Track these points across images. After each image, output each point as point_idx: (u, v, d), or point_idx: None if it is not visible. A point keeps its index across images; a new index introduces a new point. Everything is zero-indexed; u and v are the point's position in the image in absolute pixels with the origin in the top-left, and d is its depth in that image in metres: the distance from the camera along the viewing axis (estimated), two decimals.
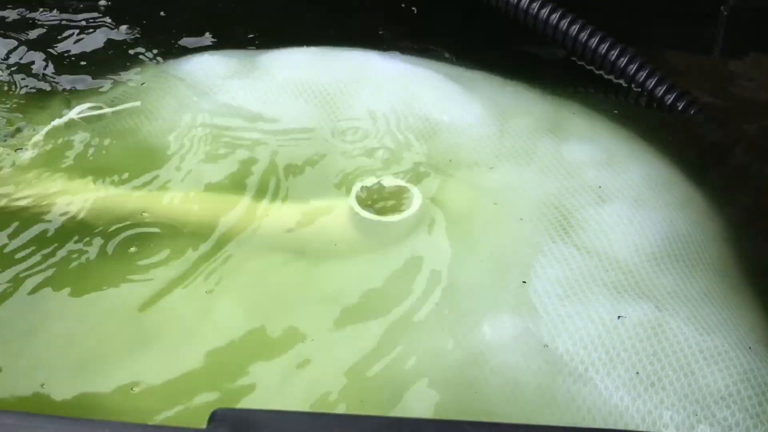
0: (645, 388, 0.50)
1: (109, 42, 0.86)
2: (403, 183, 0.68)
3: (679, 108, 0.80)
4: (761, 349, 0.55)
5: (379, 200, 0.67)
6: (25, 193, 0.63)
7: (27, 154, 0.66)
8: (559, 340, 0.52)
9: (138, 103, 0.71)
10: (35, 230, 0.61)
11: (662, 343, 0.53)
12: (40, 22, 0.89)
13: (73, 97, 0.74)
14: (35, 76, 0.79)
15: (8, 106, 0.73)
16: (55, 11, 0.90)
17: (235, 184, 0.68)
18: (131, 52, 0.84)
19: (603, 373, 0.51)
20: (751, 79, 0.87)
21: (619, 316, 0.54)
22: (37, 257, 0.59)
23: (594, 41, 0.83)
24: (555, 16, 0.85)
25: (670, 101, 0.80)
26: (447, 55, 0.90)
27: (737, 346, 0.54)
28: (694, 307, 0.57)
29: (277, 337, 0.57)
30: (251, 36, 0.90)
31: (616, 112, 0.80)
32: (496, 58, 0.88)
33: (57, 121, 0.67)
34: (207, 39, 0.90)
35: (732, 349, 0.53)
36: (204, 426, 0.31)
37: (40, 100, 0.75)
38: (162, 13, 0.93)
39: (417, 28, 0.97)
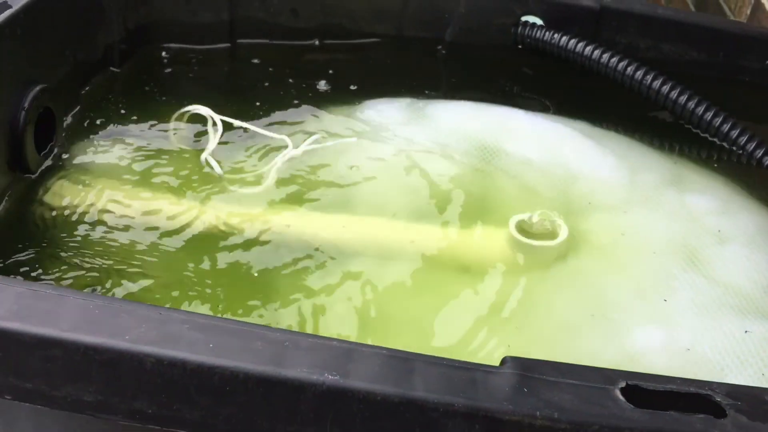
0: None
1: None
2: (552, 217, 0.83)
3: None
4: None
5: (530, 232, 0.82)
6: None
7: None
8: (699, 347, 0.66)
9: (354, 139, 0.89)
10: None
11: None
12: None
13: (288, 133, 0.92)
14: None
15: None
16: None
17: (414, 213, 0.84)
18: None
19: (736, 373, 0.64)
20: None
21: (746, 331, 0.67)
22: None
23: (709, 114, 0.97)
24: (666, 87, 1.00)
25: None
26: (573, 116, 1.05)
27: None
28: None
29: (456, 340, 0.72)
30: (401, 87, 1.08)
31: (719, 168, 0.95)
32: (616, 121, 1.03)
33: (291, 152, 0.85)
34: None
35: None
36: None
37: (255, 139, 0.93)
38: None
39: (542, 91, 1.13)
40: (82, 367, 0.42)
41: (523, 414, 0.41)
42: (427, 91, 1.06)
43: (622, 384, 0.45)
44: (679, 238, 0.80)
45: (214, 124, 0.93)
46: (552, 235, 0.81)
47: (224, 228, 0.79)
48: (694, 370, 0.64)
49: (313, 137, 0.91)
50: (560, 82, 1.13)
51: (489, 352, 0.69)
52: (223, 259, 0.75)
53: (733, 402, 0.45)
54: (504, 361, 0.46)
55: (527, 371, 0.45)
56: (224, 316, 0.69)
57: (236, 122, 0.93)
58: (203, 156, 0.88)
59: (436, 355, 0.45)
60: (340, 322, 0.71)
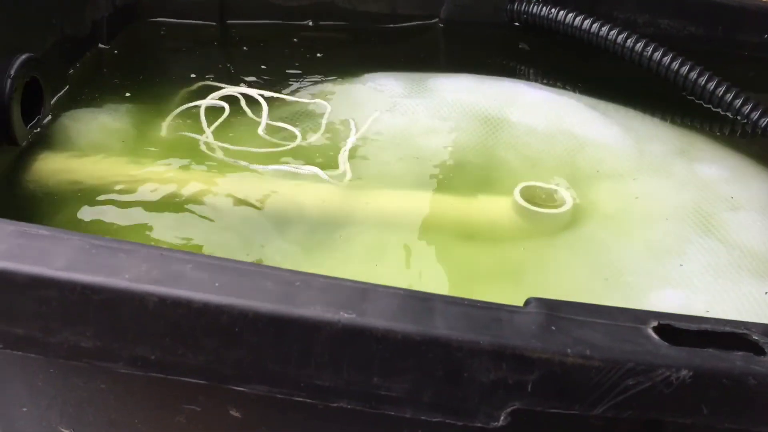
0: None
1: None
2: (556, 187, 0.81)
3: None
4: None
5: (536, 201, 0.80)
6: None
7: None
8: (719, 308, 0.63)
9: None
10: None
11: None
12: None
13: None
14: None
15: None
16: None
17: (419, 183, 0.81)
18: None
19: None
20: None
21: (766, 292, 0.65)
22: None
23: (711, 84, 0.96)
24: (667, 59, 0.98)
25: None
26: (575, 90, 1.03)
27: None
28: None
29: None
30: (404, 64, 1.05)
31: (726, 139, 0.93)
32: (618, 94, 1.01)
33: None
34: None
35: None
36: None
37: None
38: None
39: (541, 66, 1.11)
40: (78, 309, 0.39)
41: (553, 351, 0.39)
42: (426, 68, 1.04)
43: (655, 323, 0.42)
44: (691, 205, 0.78)
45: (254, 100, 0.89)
46: (558, 203, 0.79)
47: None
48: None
49: (372, 116, 0.88)
50: (560, 58, 1.11)
51: None
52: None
53: None
54: (528, 302, 0.43)
55: (554, 311, 0.42)
56: None
57: (272, 94, 0.91)
58: (260, 130, 0.85)
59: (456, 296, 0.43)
60: None
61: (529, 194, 0.81)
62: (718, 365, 0.39)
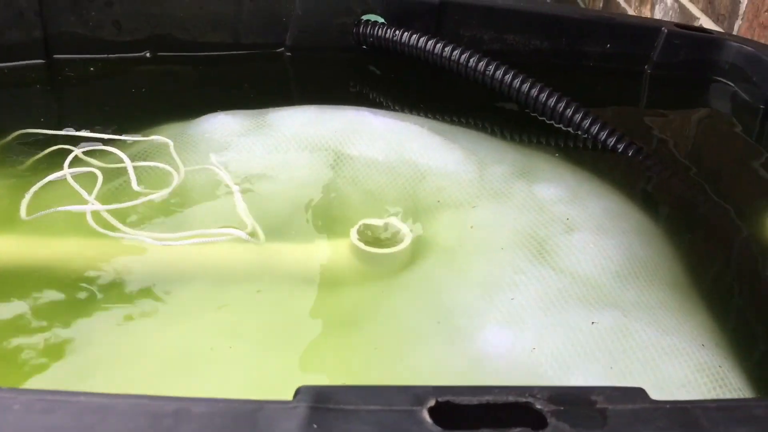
0: (618, 380, 0.60)
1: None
2: (395, 222, 0.78)
3: (620, 150, 0.93)
4: (712, 347, 0.66)
5: (377, 238, 0.77)
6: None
7: None
8: (545, 345, 0.62)
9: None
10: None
11: (630, 343, 0.63)
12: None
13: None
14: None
15: None
16: None
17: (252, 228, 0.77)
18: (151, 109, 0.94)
19: (583, 370, 0.60)
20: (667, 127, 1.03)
21: (592, 322, 0.64)
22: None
23: (552, 100, 0.96)
24: (509, 76, 0.98)
25: (612, 144, 0.93)
26: (422, 114, 1.02)
27: (691, 344, 0.64)
28: (653, 313, 0.68)
29: (299, 354, 0.65)
30: (250, 97, 1.01)
31: (568, 155, 0.93)
32: (465, 115, 1.00)
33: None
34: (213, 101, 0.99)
35: (688, 346, 0.64)
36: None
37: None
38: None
39: (390, 90, 1.09)
40: None
41: None
42: (272, 100, 1.00)
43: (432, 402, 0.40)
44: (527, 230, 0.77)
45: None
46: (398, 240, 0.77)
47: None
48: (540, 370, 0.60)
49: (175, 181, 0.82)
50: (410, 81, 1.09)
51: (330, 369, 0.64)
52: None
53: (556, 407, 0.41)
54: (297, 392, 0.40)
55: (322, 402, 0.39)
56: None
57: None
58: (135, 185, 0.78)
59: (214, 397, 0.39)
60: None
61: (370, 233, 0.78)
62: None
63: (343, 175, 0.85)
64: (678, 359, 0.62)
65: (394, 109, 1.02)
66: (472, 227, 0.77)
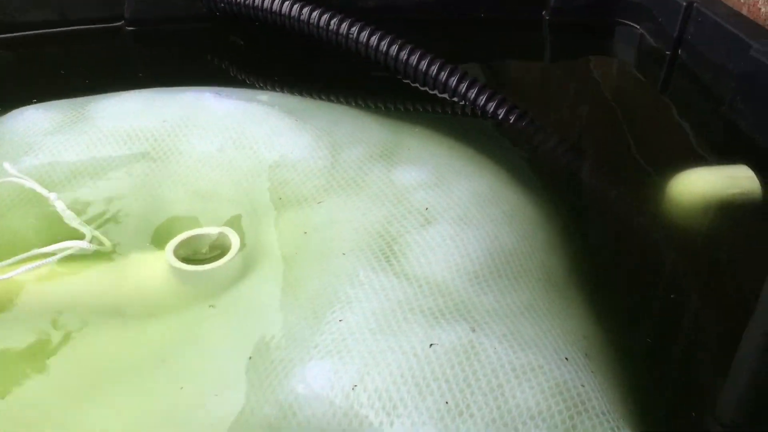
0: (452, 418, 0.49)
1: None
2: (219, 230, 0.67)
3: (511, 120, 0.81)
4: (580, 358, 0.56)
5: (203, 250, 0.66)
6: None
7: None
8: (369, 379, 0.51)
9: None
10: None
11: (474, 366, 0.52)
12: None
13: None
14: None
15: None
16: None
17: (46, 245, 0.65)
18: None
19: (411, 408, 0.50)
20: (570, 84, 0.89)
21: (431, 344, 0.53)
22: None
23: (423, 63, 0.83)
24: (375, 38, 0.85)
25: (491, 110, 0.81)
26: (286, 89, 0.89)
27: (552, 359, 0.54)
28: (512, 323, 0.57)
29: (94, 405, 0.55)
30: (81, 83, 0.88)
31: (452, 129, 0.81)
32: (335, 88, 0.88)
33: None
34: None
35: (546, 362, 0.53)
36: None
37: None
38: None
39: (252, 64, 0.96)
40: None
41: None
42: (110, 84, 0.86)
43: None
44: (377, 227, 0.65)
45: None
46: (225, 252, 0.65)
47: None
48: (361, 413, 0.50)
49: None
50: (277, 51, 0.96)
51: (128, 420, 0.53)
52: None
53: None
54: None
55: None
56: None
57: None
58: None
59: None
60: None
61: (194, 244, 0.67)
62: None
63: (170, 174, 0.72)
64: (530, 382, 0.52)
65: (254, 86, 0.89)
66: (314, 229, 0.66)
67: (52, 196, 0.69)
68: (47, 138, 0.74)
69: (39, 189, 0.69)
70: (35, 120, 0.76)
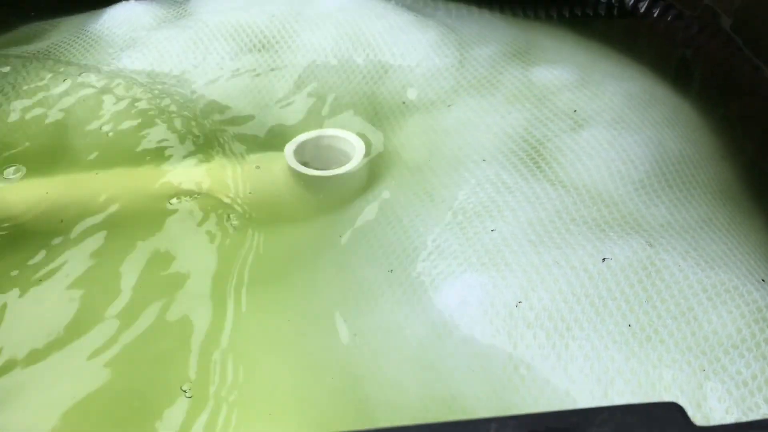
0: (639, 343, 0.42)
1: None
2: (341, 132, 0.60)
3: (655, 15, 0.70)
4: None
5: (322, 153, 0.59)
6: None
7: None
8: (534, 296, 0.44)
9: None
10: None
11: (657, 286, 0.44)
12: None
13: None
14: None
15: None
16: None
17: (163, 149, 0.59)
18: None
19: (589, 330, 0.42)
20: None
21: (604, 259, 0.45)
22: None
23: None
24: None
25: (643, 9, 0.70)
26: None
27: (747, 280, 0.45)
28: (692, 238, 0.49)
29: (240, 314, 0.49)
30: None
31: (587, 30, 0.71)
32: None
33: None
34: None
35: (742, 283, 0.45)
36: None
37: None
38: None
39: None
40: None
41: None
42: None
43: None
44: (519, 131, 0.57)
45: None
46: (349, 158, 0.58)
47: None
48: (527, 336, 0.43)
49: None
50: None
51: (257, 337, 0.48)
52: None
53: None
54: None
55: None
56: None
57: None
58: None
59: None
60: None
61: (310, 150, 0.60)
62: None
63: (282, 74, 0.65)
64: (727, 305, 0.43)
65: None
66: (445, 134, 0.58)
67: None
68: (151, 33, 0.67)
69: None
70: (137, 14, 0.70)
